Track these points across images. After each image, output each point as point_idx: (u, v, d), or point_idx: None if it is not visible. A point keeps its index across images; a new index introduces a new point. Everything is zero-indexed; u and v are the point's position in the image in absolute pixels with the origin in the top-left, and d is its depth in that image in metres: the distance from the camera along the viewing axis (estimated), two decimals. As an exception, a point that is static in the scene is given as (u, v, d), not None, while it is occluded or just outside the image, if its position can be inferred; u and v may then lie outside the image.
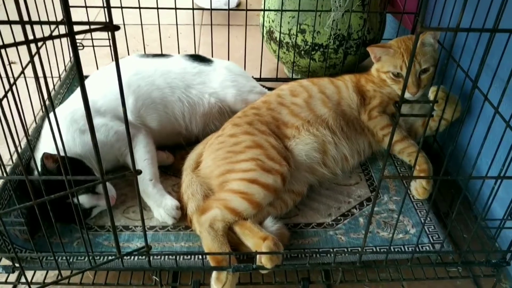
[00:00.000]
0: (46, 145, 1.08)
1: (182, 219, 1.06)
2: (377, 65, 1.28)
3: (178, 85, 1.26)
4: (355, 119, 1.23)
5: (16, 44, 0.50)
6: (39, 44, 0.83)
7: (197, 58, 1.36)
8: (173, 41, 1.59)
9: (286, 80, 1.63)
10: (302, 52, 1.59)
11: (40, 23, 0.59)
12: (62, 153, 0.73)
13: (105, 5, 0.50)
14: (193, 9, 1.44)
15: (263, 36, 1.68)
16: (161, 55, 1.35)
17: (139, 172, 0.71)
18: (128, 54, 1.43)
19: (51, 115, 1.17)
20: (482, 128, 1.03)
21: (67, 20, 0.51)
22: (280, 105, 1.21)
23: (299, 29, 1.53)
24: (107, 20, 0.53)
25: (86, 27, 0.54)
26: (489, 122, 0.84)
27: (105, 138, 1.12)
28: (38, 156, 1.04)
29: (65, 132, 1.08)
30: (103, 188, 0.69)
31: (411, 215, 1.09)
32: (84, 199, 0.99)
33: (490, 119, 0.85)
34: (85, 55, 1.40)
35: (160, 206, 1.06)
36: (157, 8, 1.40)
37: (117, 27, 0.56)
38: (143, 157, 1.13)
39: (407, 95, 1.21)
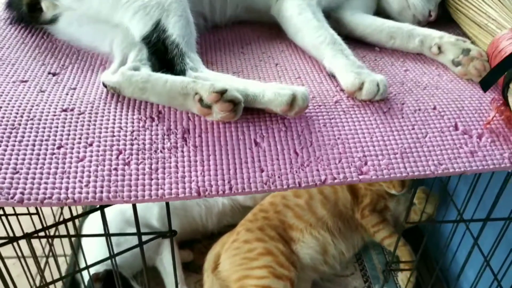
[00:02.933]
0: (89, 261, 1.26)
1: (207, 319, 1.26)
2: (367, 164, 1.48)
3: (195, 190, 1.44)
4: (350, 217, 1.43)
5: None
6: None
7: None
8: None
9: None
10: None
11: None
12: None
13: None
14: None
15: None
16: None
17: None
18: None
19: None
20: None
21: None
22: (285, 207, 1.41)
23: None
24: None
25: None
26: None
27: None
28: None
29: (100, 246, 1.26)
30: None
31: (400, 306, 1.31)
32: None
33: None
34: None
35: (188, 309, 1.25)
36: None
37: (175, 233, 0.76)
38: (170, 262, 1.32)
39: (393, 191, 1.42)
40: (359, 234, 1.44)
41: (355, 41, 0.88)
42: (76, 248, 1.31)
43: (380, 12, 0.98)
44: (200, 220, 1.45)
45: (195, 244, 1.48)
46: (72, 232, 0.80)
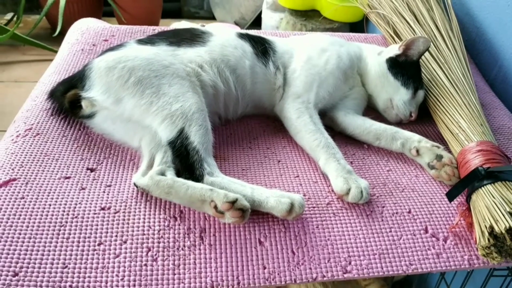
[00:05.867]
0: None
1: None
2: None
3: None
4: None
5: None
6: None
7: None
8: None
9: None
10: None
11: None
12: None
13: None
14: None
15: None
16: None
17: None
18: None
19: None
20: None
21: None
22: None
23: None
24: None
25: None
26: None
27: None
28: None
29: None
30: None
31: None
32: None
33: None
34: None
35: None
36: None
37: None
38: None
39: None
40: (352, 287, 1.57)
41: (347, 137, 1.03)
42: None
43: (370, 106, 1.13)
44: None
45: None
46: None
